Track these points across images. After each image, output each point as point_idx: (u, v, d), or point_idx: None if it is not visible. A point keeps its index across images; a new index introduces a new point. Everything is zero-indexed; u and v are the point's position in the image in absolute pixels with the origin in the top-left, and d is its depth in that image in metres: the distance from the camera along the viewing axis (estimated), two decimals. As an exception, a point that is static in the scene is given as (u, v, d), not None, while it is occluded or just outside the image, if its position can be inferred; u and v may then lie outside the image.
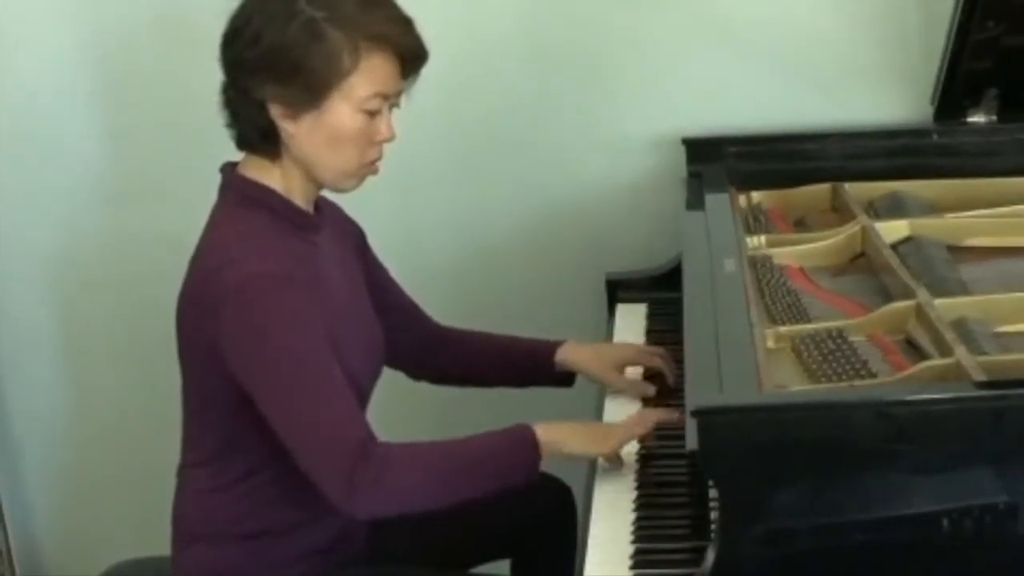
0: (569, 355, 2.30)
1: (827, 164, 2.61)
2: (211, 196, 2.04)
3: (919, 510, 1.54)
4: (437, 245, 2.88)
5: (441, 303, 2.82)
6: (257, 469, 2.00)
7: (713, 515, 1.67)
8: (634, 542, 1.82)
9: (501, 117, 2.78)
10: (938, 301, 1.94)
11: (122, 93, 2.81)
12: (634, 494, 1.95)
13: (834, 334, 1.92)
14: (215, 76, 1.99)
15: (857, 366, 1.82)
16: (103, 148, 2.84)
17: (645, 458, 2.05)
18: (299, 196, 2.01)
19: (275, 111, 1.94)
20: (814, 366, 1.85)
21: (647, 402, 2.23)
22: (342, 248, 2.14)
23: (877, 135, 2.64)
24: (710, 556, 1.57)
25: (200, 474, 2.06)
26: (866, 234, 2.27)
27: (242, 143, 2.02)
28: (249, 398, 1.90)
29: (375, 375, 2.15)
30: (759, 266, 2.21)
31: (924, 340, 1.88)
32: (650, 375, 2.30)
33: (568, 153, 2.79)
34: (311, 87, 1.91)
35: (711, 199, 2.47)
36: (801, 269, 2.24)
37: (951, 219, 2.35)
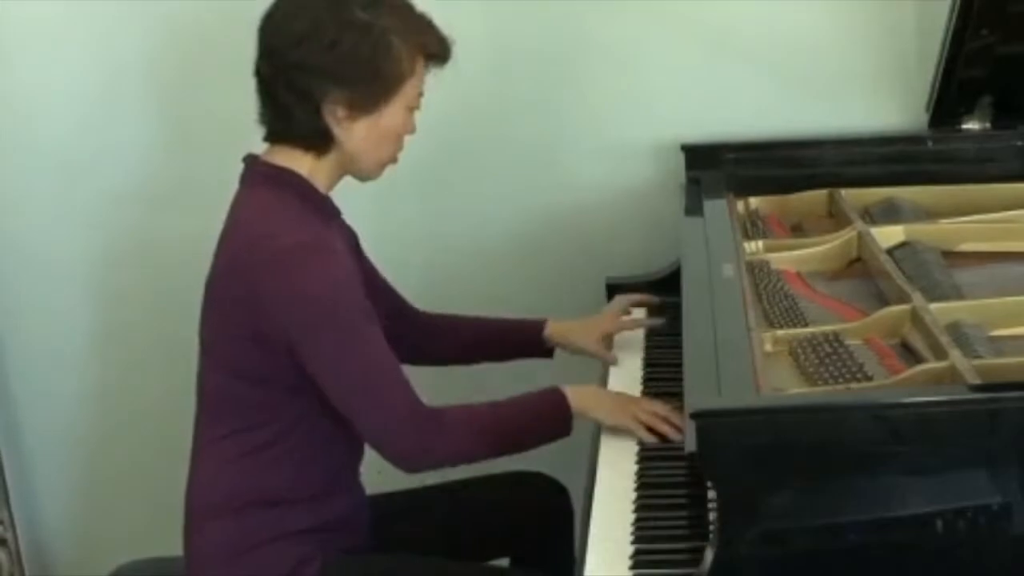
0: (558, 330, 2.41)
1: (824, 170, 2.61)
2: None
3: (914, 511, 1.54)
4: (440, 250, 2.88)
5: (442, 305, 2.83)
6: (279, 438, 2.05)
7: (712, 516, 1.67)
8: (634, 542, 1.82)
9: (503, 124, 2.79)
10: (933, 305, 1.94)
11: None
12: (634, 495, 1.95)
13: (831, 338, 1.92)
14: (241, 85, 2.02)
15: (853, 369, 1.82)
16: (84, 161, 2.84)
17: (645, 459, 2.05)
18: (323, 184, 2.08)
19: (337, 112, 2.01)
20: (811, 369, 1.85)
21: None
22: (346, 246, 2.16)
23: (873, 142, 2.65)
24: (709, 556, 1.57)
25: (223, 446, 2.08)
26: (862, 239, 2.27)
27: (277, 138, 2.07)
28: (277, 367, 1.98)
29: None
30: (757, 271, 2.21)
31: (919, 344, 1.89)
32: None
33: (569, 159, 2.79)
34: (380, 92, 2.01)
35: (709, 205, 2.47)
36: (798, 274, 2.24)
37: (946, 224, 2.35)
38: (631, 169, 2.79)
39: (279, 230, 1.98)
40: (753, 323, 1.93)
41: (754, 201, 2.56)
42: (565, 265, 2.85)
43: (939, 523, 1.54)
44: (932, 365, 1.77)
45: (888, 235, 2.29)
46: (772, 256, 2.28)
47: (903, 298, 1.99)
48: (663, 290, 2.54)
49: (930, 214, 2.44)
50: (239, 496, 2.06)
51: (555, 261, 2.86)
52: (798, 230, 2.50)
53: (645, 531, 1.85)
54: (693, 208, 2.50)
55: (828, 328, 1.96)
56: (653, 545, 1.81)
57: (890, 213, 2.43)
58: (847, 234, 2.30)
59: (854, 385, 1.78)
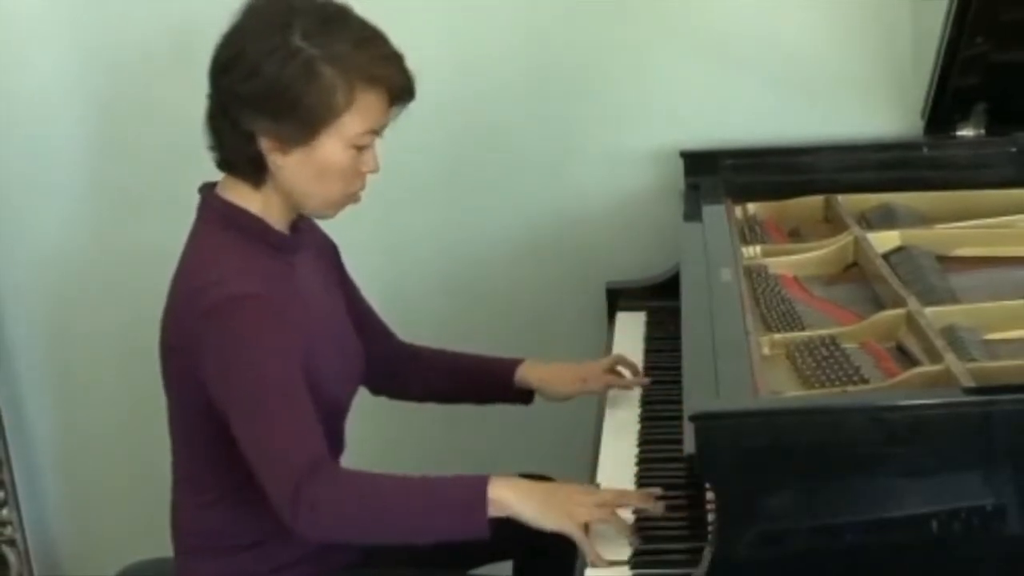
0: (528, 374, 2.28)
1: (820, 176, 2.61)
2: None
3: (910, 512, 1.54)
4: (441, 256, 2.88)
5: (446, 311, 2.84)
6: (247, 482, 1.93)
7: (710, 517, 1.67)
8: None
9: (506, 133, 2.79)
10: (928, 309, 1.94)
11: (114, 111, 2.81)
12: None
13: (827, 341, 1.92)
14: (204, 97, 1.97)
15: (850, 372, 1.82)
16: (96, 164, 2.85)
17: (644, 461, 2.05)
18: (277, 219, 1.98)
19: (265, 144, 1.91)
20: (808, 372, 1.85)
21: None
22: (320, 266, 2.12)
23: (869, 148, 2.65)
24: (707, 556, 1.57)
25: (191, 489, 2.05)
26: (858, 244, 2.27)
27: (224, 166, 1.99)
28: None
29: (353, 390, 2.14)
30: (754, 275, 2.21)
31: (915, 347, 1.89)
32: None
33: (571, 167, 2.79)
34: (304, 125, 1.88)
35: (708, 210, 2.47)
36: (795, 278, 2.24)
37: (941, 230, 2.35)
38: (631, 176, 2.79)
39: (219, 280, 1.89)
40: (751, 327, 1.93)
41: (752, 207, 2.56)
42: (566, 270, 2.85)
43: (934, 523, 1.54)
44: (927, 368, 1.78)
45: (884, 240, 2.29)
46: (770, 261, 2.28)
47: (899, 302, 1.99)
48: (663, 294, 2.54)
49: (926, 219, 2.44)
50: (222, 539, 2.03)
51: (557, 266, 2.86)
52: (795, 235, 2.49)
53: (644, 532, 1.84)
54: (692, 214, 2.50)
55: (825, 332, 1.96)
56: (652, 545, 1.80)
57: (886, 218, 2.43)
58: (844, 239, 2.30)
59: (851, 388, 1.78)
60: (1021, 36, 2.42)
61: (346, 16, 1.93)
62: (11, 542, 2.97)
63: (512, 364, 2.29)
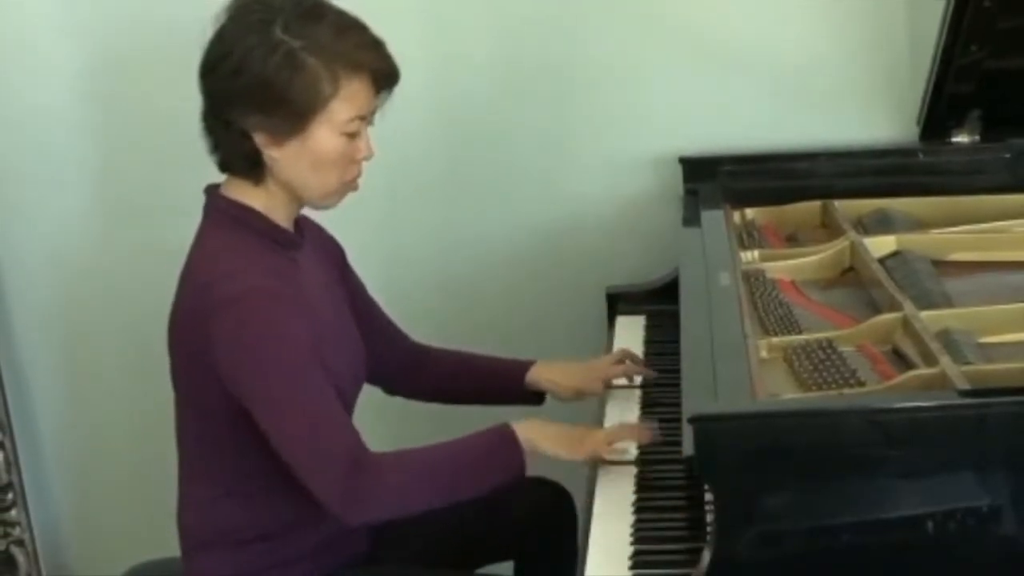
0: (539, 375, 2.29)
1: (818, 182, 2.61)
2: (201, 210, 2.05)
3: (905, 513, 1.54)
4: (443, 261, 2.88)
5: (447, 315, 2.84)
6: (254, 476, 1.97)
7: (709, 517, 1.67)
8: (633, 543, 1.82)
9: (507, 139, 2.79)
10: (924, 313, 1.94)
11: (121, 114, 2.82)
12: (633, 497, 1.95)
13: (824, 344, 1.92)
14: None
15: (846, 375, 1.82)
16: (97, 170, 2.85)
17: (644, 463, 2.05)
18: (280, 215, 2.00)
19: (259, 139, 1.92)
20: (805, 375, 1.85)
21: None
22: (323, 266, 2.13)
23: (865, 154, 2.65)
24: (706, 557, 1.57)
25: (198, 485, 2.05)
26: (855, 249, 2.27)
27: (224, 167, 2.00)
28: (243, 408, 1.89)
29: (358, 388, 2.15)
30: (752, 280, 2.21)
31: (910, 350, 1.89)
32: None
33: (571, 172, 2.80)
34: (294, 116, 1.89)
35: (707, 215, 2.47)
36: (793, 282, 2.25)
37: (936, 235, 2.35)
38: (631, 181, 2.79)
39: (228, 274, 1.91)
40: (749, 330, 1.93)
41: (750, 212, 2.56)
42: (567, 274, 2.86)
43: (930, 524, 1.54)
44: (923, 371, 1.78)
45: (880, 245, 2.29)
46: (767, 265, 2.28)
47: (895, 306, 1.99)
48: (662, 298, 2.54)
49: (921, 224, 2.44)
50: (229, 533, 2.03)
51: (558, 271, 2.86)
52: (793, 240, 2.50)
53: (644, 532, 1.85)
54: (691, 219, 2.50)
55: (822, 335, 1.96)
56: (652, 546, 1.81)
57: (882, 223, 2.43)
58: (840, 244, 2.30)
59: (847, 390, 1.78)
60: (1015, 44, 2.42)
61: (325, 7, 1.94)
62: (20, 542, 2.97)
63: (523, 365, 2.30)
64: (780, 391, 1.82)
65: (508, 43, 2.73)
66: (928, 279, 2.15)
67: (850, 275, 2.27)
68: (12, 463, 2.93)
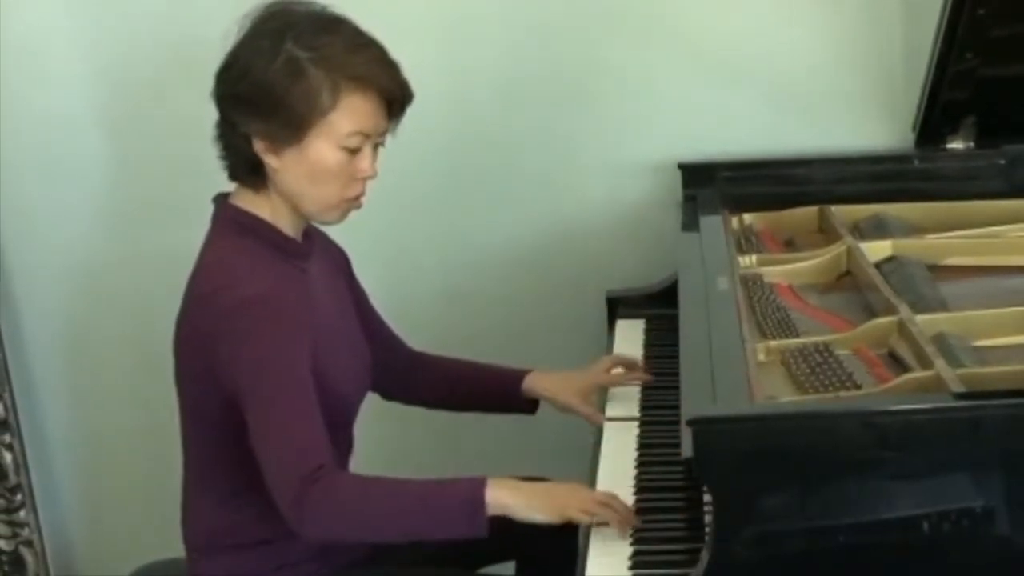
0: (535, 383, 2.28)
1: (815, 188, 2.61)
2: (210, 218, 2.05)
3: (901, 514, 1.54)
4: (444, 265, 2.88)
5: (448, 319, 2.85)
6: (256, 482, 1.94)
7: (707, 518, 1.67)
8: (633, 543, 1.82)
9: (509, 146, 2.79)
10: (919, 317, 1.94)
11: (130, 121, 2.82)
12: (633, 499, 1.95)
13: (821, 348, 1.92)
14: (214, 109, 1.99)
15: (843, 378, 1.82)
16: (113, 172, 2.85)
17: (643, 465, 2.05)
18: (287, 225, 2.00)
19: (259, 145, 1.92)
20: (802, 378, 1.85)
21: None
22: (331, 274, 2.13)
23: (862, 160, 2.65)
24: (704, 557, 1.57)
25: (201, 488, 2.06)
26: (851, 254, 2.28)
27: (233, 175, 2.01)
28: (243, 416, 1.89)
29: (363, 394, 2.15)
30: (750, 284, 2.21)
31: (906, 354, 1.89)
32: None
33: (572, 179, 2.80)
34: (291, 124, 1.89)
35: (705, 221, 2.47)
36: (790, 287, 2.25)
37: (931, 240, 2.35)
38: (631, 187, 2.79)
39: (233, 282, 1.91)
40: (747, 334, 1.94)
41: (748, 217, 2.57)
42: (568, 279, 2.86)
43: (925, 525, 1.54)
44: (918, 374, 1.78)
45: (876, 250, 2.29)
46: (765, 270, 2.28)
47: (890, 310, 1.99)
48: (661, 302, 2.54)
49: (916, 230, 2.44)
50: (231, 537, 2.03)
51: (558, 275, 2.86)
52: (790, 245, 2.50)
53: (644, 533, 1.85)
54: (690, 224, 2.50)
55: (819, 339, 1.96)
56: (651, 546, 1.81)
57: (878, 229, 2.44)
58: (837, 249, 2.31)
59: (844, 393, 1.78)
60: (1009, 52, 2.42)
61: (341, 23, 1.94)
62: (28, 543, 2.98)
63: (519, 374, 2.29)
64: (778, 394, 1.82)
65: (509, 51, 2.74)
66: (923, 283, 2.15)
67: (846, 279, 2.28)
68: (21, 465, 2.93)
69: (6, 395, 2.89)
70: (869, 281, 2.14)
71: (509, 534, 2.26)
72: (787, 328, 2.04)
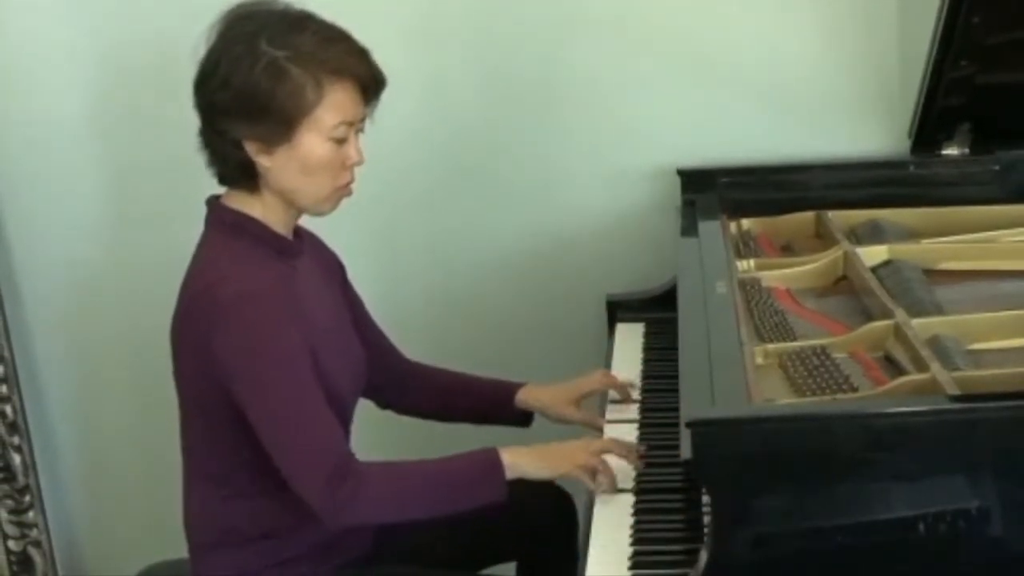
0: (528, 396, 2.29)
1: (812, 193, 2.61)
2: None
3: (897, 514, 1.54)
4: (444, 269, 2.88)
5: (448, 324, 2.84)
6: (255, 476, 1.98)
7: (706, 519, 1.67)
8: (633, 544, 1.83)
9: (512, 152, 2.79)
10: (915, 321, 1.95)
11: (126, 128, 2.82)
12: (632, 499, 1.95)
13: (818, 351, 1.92)
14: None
15: (840, 381, 1.82)
16: (110, 178, 2.85)
17: (643, 466, 2.05)
18: (278, 223, 2.01)
19: (251, 148, 1.93)
20: (800, 381, 1.86)
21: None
22: (324, 277, 2.13)
23: (858, 166, 2.65)
24: (703, 557, 1.57)
25: (204, 485, 2.06)
26: (848, 258, 2.28)
27: (223, 180, 2.02)
28: (239, 407, 1.91)
29: (357, 395, 2.15)
30: (748, 288, 2.21)
31: (902, 357, 1.89)
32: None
33: (573, 184, 2.80)
34: (281, 123, 1.91)
35: (704, 226, 2.47)
36: (788, 291, 2.25)
37: (927, 244, 2.35)
38: (631, 193, 2.79)
39: (228, 278, 1.92)
40: (745, 337, 1.94)
41: (746, 222, 2.57)
42: (569, 283, 2.86)
43: (920, 525, 1.54)
44: (914, 377, 1.78)
45: (873, 254, 2.29)
46: (763, 274, 2.28)
47: (887, 314, 1.99)
48: (661, 306, 2.54)
49: (912, 234, 2.44)
50: (232, 533, 2.04)
51: (560, 279, 2.86)
52: (787, 250, 2.50)
53: (643, 533, 1.85)
54: (689, 229, 2.50)
55: (816, 342, 1.96)
56: (651, 547, 1.81)
57: (874, 233, 2.44)
58: (834, 253, 2.31)
59: (840, 396, 1.78)
60: (1003, 59, 2.43)
61: (308, 19, 1.96)
62: (37, 543, 2.98)
63: (513, 387, 2.30)
64: (775, 396, 1.82)
65: (511, 56, 2.74)
66: (919, 288, 2.15)
67: (843, 284, 2.28)
68: (29, 466, 2.94)
69: (15, 398, 2.90)
70: (865, 285, 2.14)
71: (509, 534, 2.27)
72: (784, 331, 2.04)
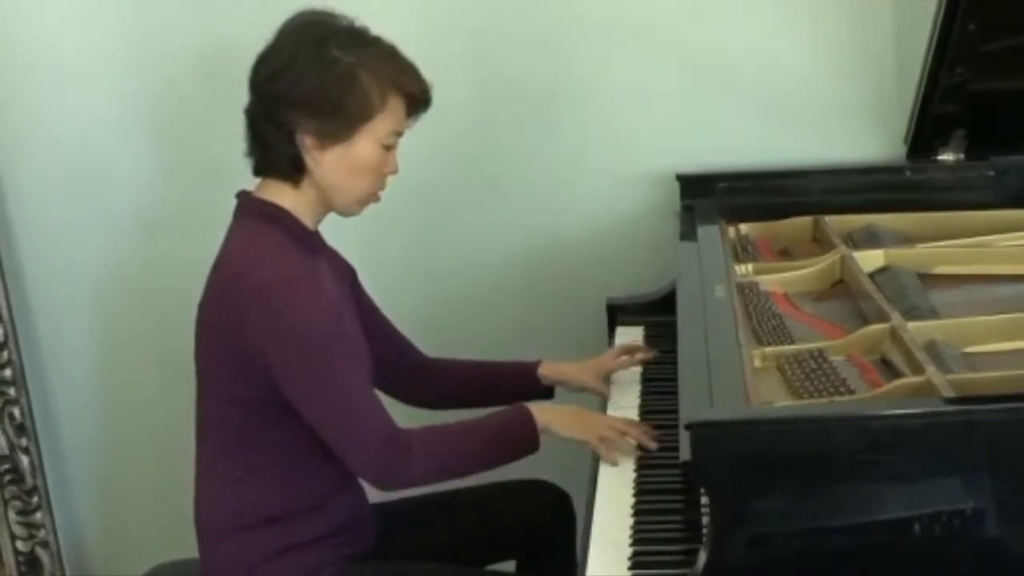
0: (551, 370, 2.36)
1: (809, 198, 2.61)
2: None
3: (893, 515, 1.54)
4: (445, 272, 2.89)
5: (448, 326, 2.85)
6: (275, 458, 2.04)
7: (705, 520, 1.68)
8: (632, 544, 1.83)
9: (510, 155, 2.80)
10: (911, 324, 1.95)
11: (154, 126, 2.83)
12: (632, 500, 1.95)
13: (815, 354, 1.92)
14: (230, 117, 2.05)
15: (837, 383, 1.82)
16: (131, 180, 2.86)
17: (643, 467, 2.05)
18: (307, 216, 2.08)
19: (307, 142, 2.01)
20: (797, 383, 1.86)
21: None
22: (336, 282, 2.16)
23: (855, 172, 2.65)
24: (702, 557, 1.57)
25: (222, 469, 2.08)
26: (845, 263, 2.28)
27: (260, 170, 2.08)
28: (265, 391, 1.96)
29: None
30: (747, 292, 2.21)
31: (898, 360, 1.89)
32: None
33: (573, 188, 2.80)
34: (346, 122, 2.01)
35: (703, 230, 2.48)
36: (785, 295, 2.25)
37: (923, 249, 2.35)
38: (630, 197, 2.80)
39: (263, 263, 1.98)
40: (743, 340, 1.94)
41: (744, 227, 2.57)
42: (569, 287, 2.86)
43: (917, 526, 1.54)
44: (910, 380, 1.78)
45: (869, 259, 2.30)
46: (761, 278, 2.28)
47: (883, 317, 2.00)
48: (660, 310, 2.55)
49: (908, 239, 2.44)
50: (243, 516, 2.06)
51: (560, 284, 2.87)
52: (785, 254, 2.50)
53: (643, 534, 1.85)
54: (687, 234, 2.50)
55: (813, 345, 1.96)
56: (651, 547, 1.81)
57: (871, 238, 2.44)
58: (831, 258, 2.31)
59: (837, 398, 1.78)
60: (998, 66, 2.43)
61: (369, 34, 2.07)
62: (44, 544, 2.98)
63: (529, 365, 2.37)
64: (773, 399, 1.82)
65: (512, 63, 2.74)
66: (915, 292, 2.15)
67: (840, 288, 2.28)
68: (37, 467, 2.94)
69: (23, 400, 2.90)
70: (862, 289, 2.14)
71: (509, 534, 2.28)
72: (782, 335, 2.04)
